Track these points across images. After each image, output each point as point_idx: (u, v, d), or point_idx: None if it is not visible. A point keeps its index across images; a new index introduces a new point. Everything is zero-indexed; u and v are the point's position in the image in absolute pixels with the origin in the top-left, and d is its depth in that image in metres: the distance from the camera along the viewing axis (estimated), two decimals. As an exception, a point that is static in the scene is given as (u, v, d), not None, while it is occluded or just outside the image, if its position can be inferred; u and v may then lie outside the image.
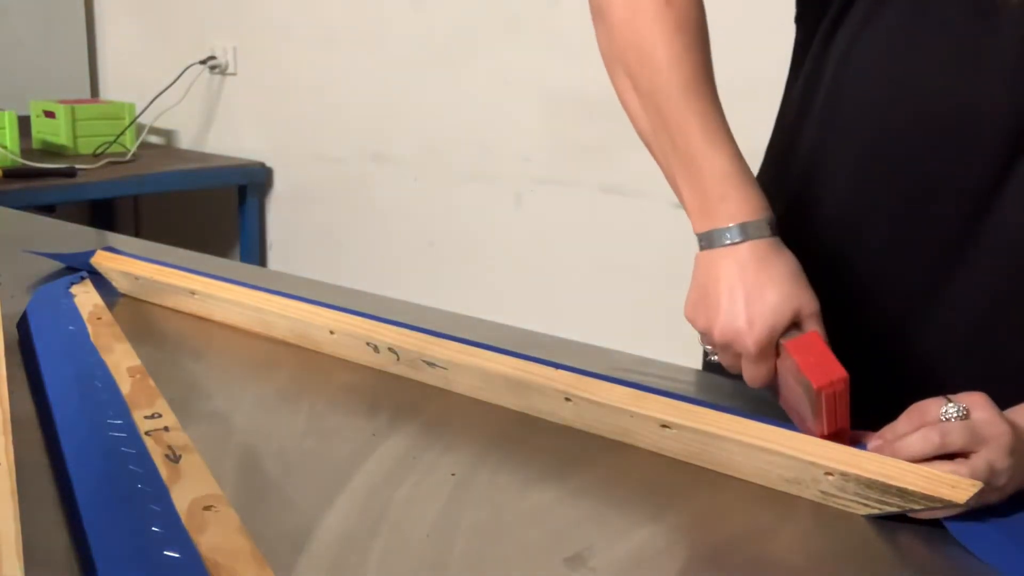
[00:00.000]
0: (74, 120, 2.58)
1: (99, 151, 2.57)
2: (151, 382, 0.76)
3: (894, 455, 0.65)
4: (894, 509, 0.63)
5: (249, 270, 1.32)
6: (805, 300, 0.71)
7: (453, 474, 0.68)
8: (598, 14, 0.81)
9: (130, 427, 0.68)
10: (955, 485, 0.61)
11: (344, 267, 2.57)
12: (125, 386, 0.76)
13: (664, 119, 0.76)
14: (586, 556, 0.59)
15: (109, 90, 3.08)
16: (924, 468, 0.63)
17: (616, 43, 0.79)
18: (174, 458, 0.64)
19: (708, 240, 0.74)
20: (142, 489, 0.60)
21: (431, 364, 0.83)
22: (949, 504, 0.61)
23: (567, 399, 0.76)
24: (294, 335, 0.92)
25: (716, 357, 0.75)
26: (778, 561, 0.61)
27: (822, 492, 0.66)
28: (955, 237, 0.76)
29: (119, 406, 0.72)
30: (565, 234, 2.03)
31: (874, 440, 0.68)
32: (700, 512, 0.66)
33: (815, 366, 0.67)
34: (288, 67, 2.62)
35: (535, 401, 0.78)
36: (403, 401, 0.82)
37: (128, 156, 2.60)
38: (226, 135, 2.81)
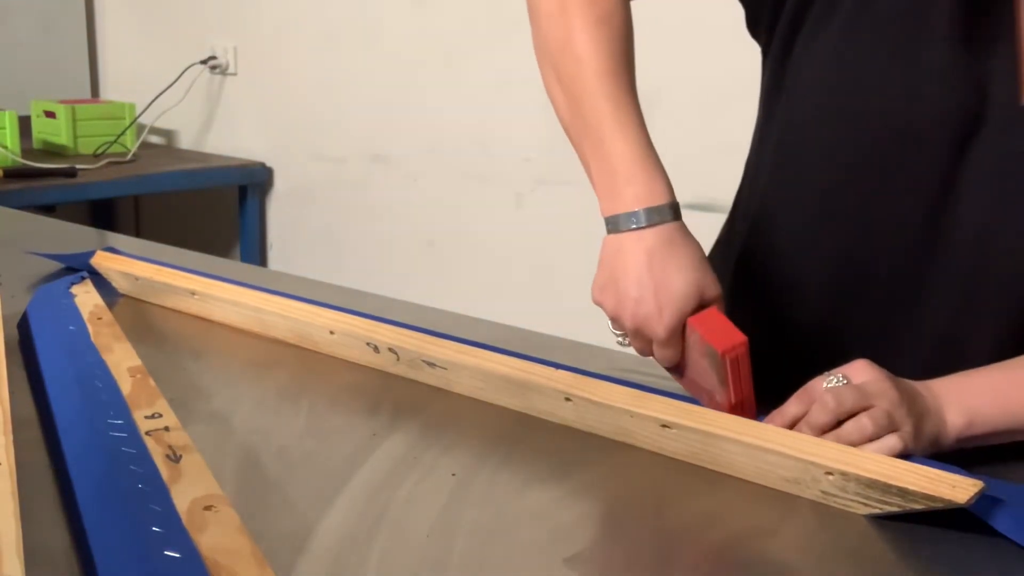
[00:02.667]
0: (74, 120, 2.58)
1: (99, 151, 2.57)
2: (151, 382, 0.76)
3: (806, 430, 0.70)
4: (895, 509, 0.63)
5: (249, 270, 1.33)
6: (708, 284, 0.75)
7: (453, 474, 0.68)
8: (531, 10, 0.84)
9: (130, 427, 0.68)
10: (955, 485, 0.61)
11: (344, 267, 2.57)
12: (125, 386, 0.76)
13: (579, 105, 0.79)
14: (586, 556, 0.59)
15: (109, 90, 3.08)
16: (925, 468, 0.63)
17: (542, 35, 0.83)
18: (174, 458, 0.64)
19: (614, 224, 0.76)
20: (142, 489, 0.60)
21: (431, 364, 0.83)
22: (950, 503, 0.61)
23: (567, 399, 0.76)
24: (294, 335, 0.92)
25: (626, 340, 0.78)
26: (778, 561, 0.61)
27: (822, 492, 0.66)
28: (915, 238, 0.79)
29: (119, 406, 0.72)
30: (565, 234, 2.03)
31: (772, 419, 0.72)
32: (700, 512, 0.66)
33: (718, 334, 0.72)
34: (288, 67, 2.62)
35: (535, 401, 0.78)
36: (403, 401, 0.82)
37: (128, 156, 2.59)
38: (226, 135, 2.81)
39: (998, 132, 0.75)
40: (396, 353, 0.85)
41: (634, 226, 0.75)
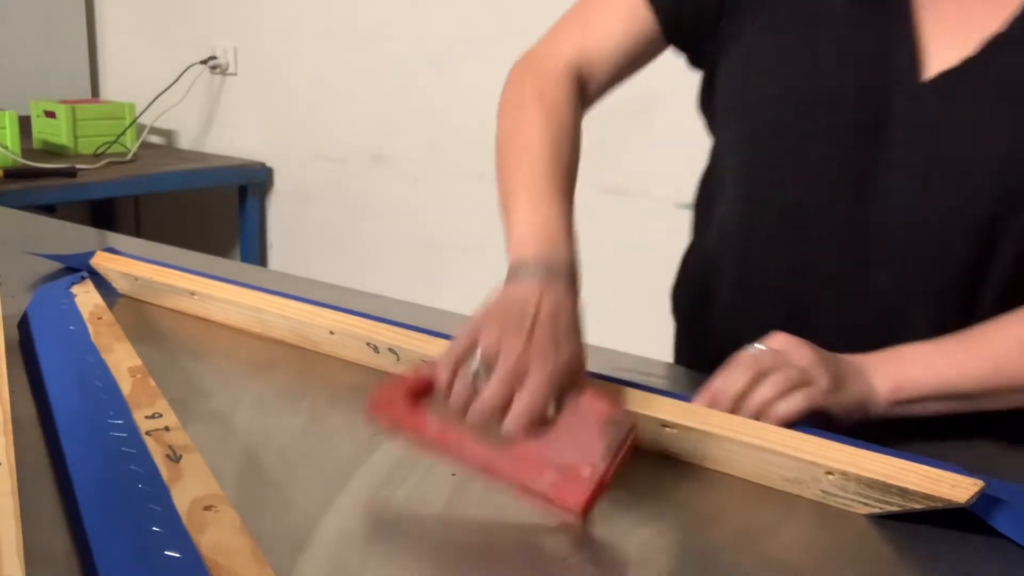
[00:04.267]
0: (75, 120, 2.57)
1: (99, 151, 2.57)
2: (151, 382, 0.76)
3: (721, 396, 0.71)
4: (895, 508, 0.63)
5: (249, 270, 1.32)
6: (576, 358, 0.69)
7: (453, 474, 0.68)
8: (502, 95, 0.94)
9: (131, 427, 0.68)
10: (955, 484, 0.62)
11: (344, 267, 2.57)
12: (126, 386, 0.76)
13: (506, 191, 0.84)
14: (586, 556, 0.59)
15: (109, 90, 3.08)
16: (925, 467, 0.63)
17: (502, 117, 0.93)
18: (174, 458, 0.64)
19: (511, 267, 0.76)
20: (142, 489, 0.60)
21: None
22: (950, 503, 0.61)
23: (567, 399, 0.76)
24: (294, 335, 0.92)
25: (479, 373, 0.65)
26: (779, 560, 0.61)
27: (823, 491, 0.66)
28: (844, 218, 0.81)
29: (119, 406, 0.72)
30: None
31: (700, 396, 0.73)
32: (700, 512, 0.66)
33: (616, 405, 0.66)
34: (288, 67, 2.62)
35: (535, 401, 0.78)
36: (403, 401, 0.81)
37: (128, 156, 2.59)
38: (226, 135, 2.81)
39: (904, 108, 0.78)
40: (396, 353, 0.85)
41: (524, 277, 0.73)
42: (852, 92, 0.79)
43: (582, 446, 0.62)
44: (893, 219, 0.79)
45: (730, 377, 0.73)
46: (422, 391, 0.67)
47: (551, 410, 0.64)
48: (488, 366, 0.65)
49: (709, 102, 0.92)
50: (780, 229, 0.85)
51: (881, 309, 0.82)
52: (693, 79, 0.94)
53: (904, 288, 0.81)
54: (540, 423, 0.64)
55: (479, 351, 0.65)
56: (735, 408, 0.72)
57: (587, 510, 0.60)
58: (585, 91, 0.92)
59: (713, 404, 0.72)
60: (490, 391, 0.64)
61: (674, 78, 1.00)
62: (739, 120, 0.87)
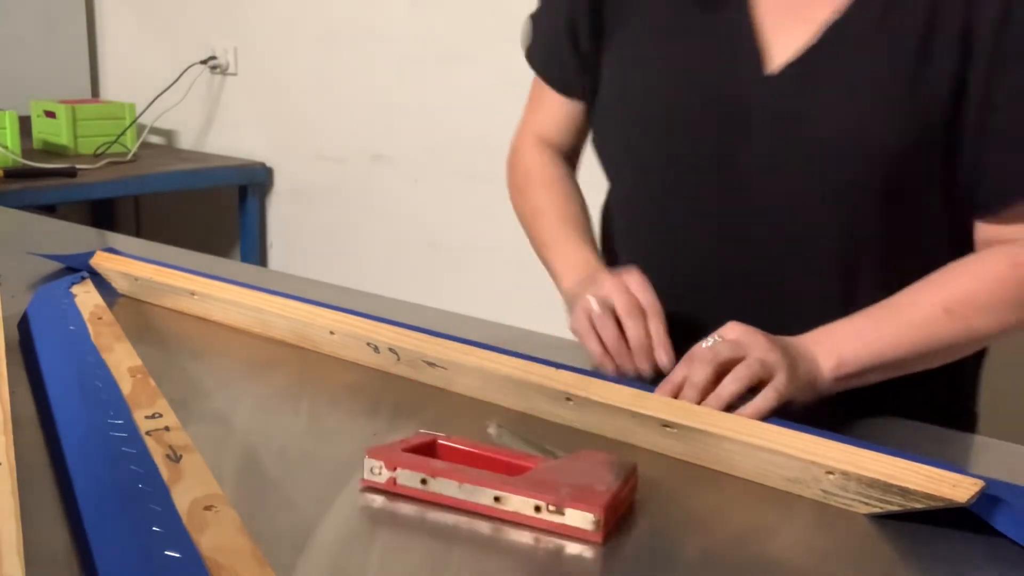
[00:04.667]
0: (75, 120, 2.57)
1: (100, 151, 2.57)
2: (152, 382, 0.76)
3: (686, 388, 0.74)
4: (895, 508, 0.63)
5: (249, 270, 1.32)
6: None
7: (453, 474, 0.68)
8: (508, 181, 1.10)
9: (131, 427, 0.68)
10: (956, 484, 0.61)
11: (344, 267, 2.57)
12: (126, 386, 0.76)
13: (541, 250, 1.01)
14: (586, 556, 0.59)
15: (109, 90, 3.08)
16: (926, 467, 0.63)
17: (514, 198, 1.08)
18: (175, 458, 0.64)
19: (566, 302, 0.91)
20: (143, 489, 0.60)
21: (431, 364, 0.83)
22: (950, 503, 0.61)
23: (568, 399, 0.76)
24: (294, 335, 0.92)
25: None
26: (779, 560, 0.61)
27: (823, 491, 0.66)
28: (715, 215, 0.88)
29: (119, 406, 0.72)
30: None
31: (662, 388, 0.75)
32: (700, 512, 0.66)
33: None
34: (288, 67, 2.62)
35: (535, 401, 0.78)
36: (403, 401, 0.82)
37: (128, 156, 2.59)
38: (226, 135, 2.81)
39: (756, 100, 0.85)
40: (396, 353, 0.85)
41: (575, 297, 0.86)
42: (708, 90, 0.87)
43: (592, 474, 0.63)
44: (760, 203, 0.86)
45: (692, 369, 0.75)
46: (419, 449, 0.67)
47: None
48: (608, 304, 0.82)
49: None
50: (659, 218, 0.93)
51: (764, 287, 0.88)
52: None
53: (782, 265, 0.87)
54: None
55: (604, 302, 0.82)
56: (699, 401, 0.73)
57: (607, 523, 0.60)
58: (564, 156, 1.07)
59: (674, 395, 0.75)
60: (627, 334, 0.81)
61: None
62: (613, 123, 0.95)
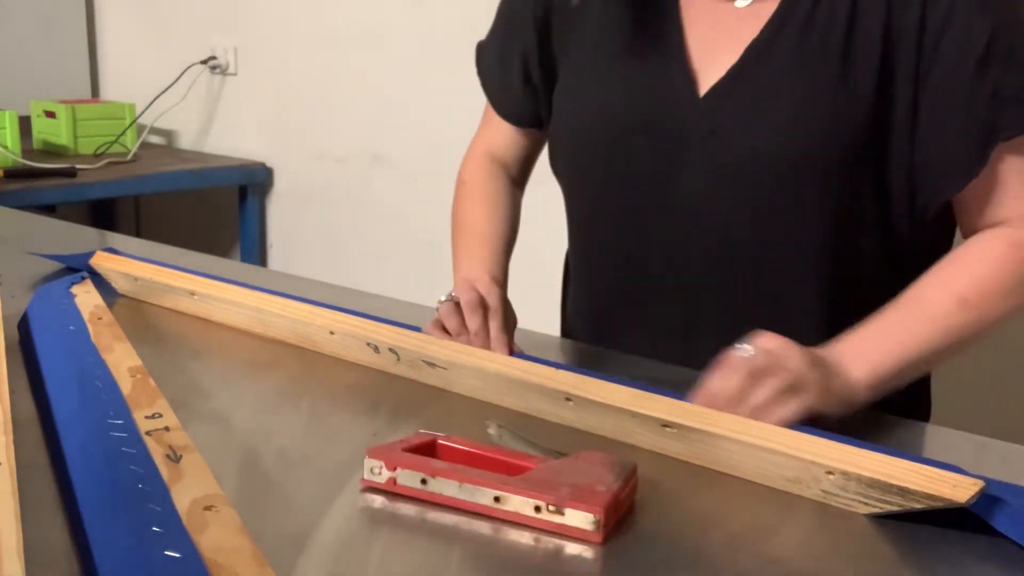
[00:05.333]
0: (75, 120, 2.57)
1: (99, 151, 2.57)
2: (151, 382, 0.76)
3: (716, 398, 0.73)
4: (895, 508, 0.63)
5: (249, 270, 1.32)
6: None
7: (453, 474, 0.68)
8: (454, 195, 1.10)
9: (131, 427, 0.68)
10: (956, 484, 0.61)
11: (344, 267, 2.57)
12: (125, 386, 0.76)
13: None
14: (586, 556, 0.59)
15: (109, 90, 3.08)
16: (926, 467, 0.63)
17: (454, 207, 1.09)
18: (175, 458, 0.64)
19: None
20: (143, 489, 0.60)
21: (431, 364, 0.83)
22: (950, 503, 0.61)
23: (568, 399, 0.76)
24: (294, 335, 0.92)
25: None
26: (779, 560, 0.61)
27: (823, 491, 0.66)
28: (660, 234, 0.90)
29: (119, 406, 0.72)
30: (565, 234, 2.02)
31: (697, 397, 0.75)
32: (700, 512, 0.66)
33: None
34: (288, 67, 2.62)
35: (535, 401, 0.78)
36: (403, 401, 0.82)
37: (128, 156, 2.59)
38: (226, 135, 2.81)
39: (688, 122, 0.87)
40: (396, 353, 0.85)
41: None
42: (645, 114, 0.90)
43: (592, 474, 0.63)
44: (697, 221, 0.88)
45: (725, 378, 0.74)
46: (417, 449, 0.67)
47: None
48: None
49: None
50: (608, 235, 0.96)
51: (708, 301, 0.90)
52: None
53: (723, 280, 0.89)
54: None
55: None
56: (731, 410, 0.72)
57: (607, 524, 0.60)
58: (510, 173, 1.10)
59: (710, 405, 0.73)
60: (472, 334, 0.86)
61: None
62: (560, 149, 0.99)
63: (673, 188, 0.89)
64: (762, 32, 0.86)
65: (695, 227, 0.89)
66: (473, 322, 0.86)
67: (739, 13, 0.88)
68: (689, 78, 0.88)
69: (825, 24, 0.84)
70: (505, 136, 1.09)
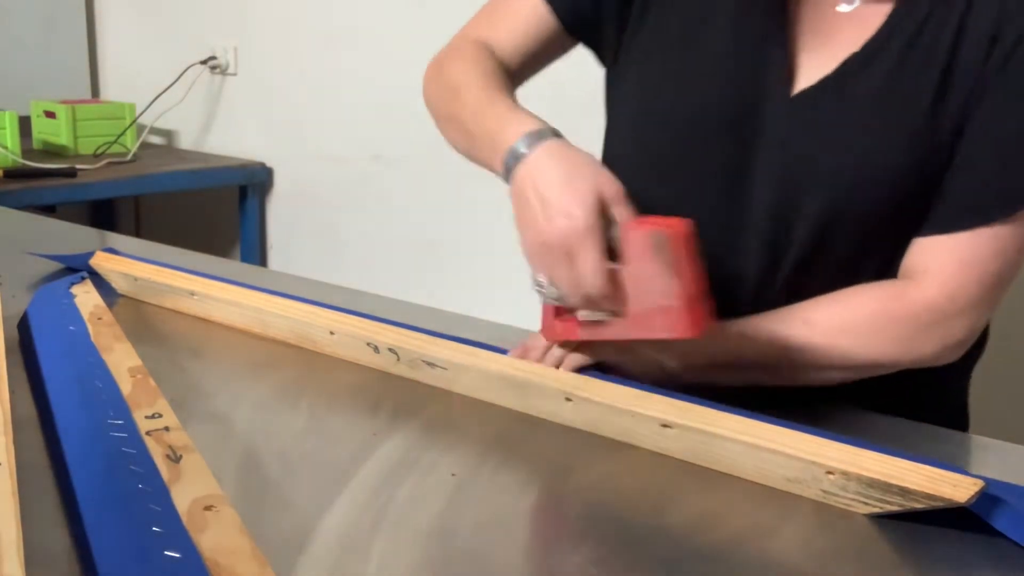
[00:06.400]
0: (75, 120, 2.57)
1: (100, 151, 2.57)
2: (152, 382, 0.76)
3: (532, 350, 0.82)
4: (895, 508, 0.63)
5: (249, 270, 1.32)
6: (605, 180, 0.74)
7: (453, 474, 0.68)
8: (424, 90, 1.01)
9: (131, 427, 0.68)
10: (956, 484, 0.61)
11: (344, 267, 2.57)
12: (126, 386, 0.76)
13: (467, 127, 0.88)
14: (586, 556, 0.59)
15: (109, 90, 3.08)
16: (926, 467, 0.63)
17: (432, 95, 0.98)
18: (175, 458, 0.64)
19: (505, 170, 0.79)
20: (142, 489, 0.60)
21: (431, 364, 0.83)
22: (950, 503, 0.61)
23: (567, 399, 0.76)
24: (294, 335, 0.92)
25: (550, 291, 0.75)
26: (779, 560, 0.61)
27: (823, 491, 0.66)
28: (719, 223, 0.86)
29: (119, 406, 0.72)
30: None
31: (514, 351, 0.82)
32: (700, 512, 0.66)
33: (660, 225, 0.71)
34: (288, 67, 2.62)
35: (535, 401, 0.78)
36: (403, 401, 0.82)
37: (129, 156, 2.59)
38: (226, 135, 2.81)
39: (773, 122, 0.83)
40: (396, 353, 0.85)
41: (519, 158, 0.77)
42: (730, 107, 0.84)
43: (650, 284, 0.70)
44: (757, 223, 0.85)
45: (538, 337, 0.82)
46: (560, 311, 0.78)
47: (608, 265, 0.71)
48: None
49: (609, 99, 0.97)
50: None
51: (748, 292, 0.88)
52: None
53: (765, 274, 0.87)
54: (607, 276, 0.71)
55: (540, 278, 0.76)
56: (540, 359, 0.81)
57: (699, 325, 0.69)
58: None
59: (524, 356, 0.82)
60: (564, 282, 0.74)
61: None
62: (629, 122, 0.92)
63: (740, 184, 0.85)
64: (864, 47, 0.81)
65: (754, 225, 0.85)
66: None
67: (843, 18, 0.83)
68: (783, 77, 0.83)
69: (928, 49, 0.79)
70: (520, 27, 0.95)
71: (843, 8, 0.83)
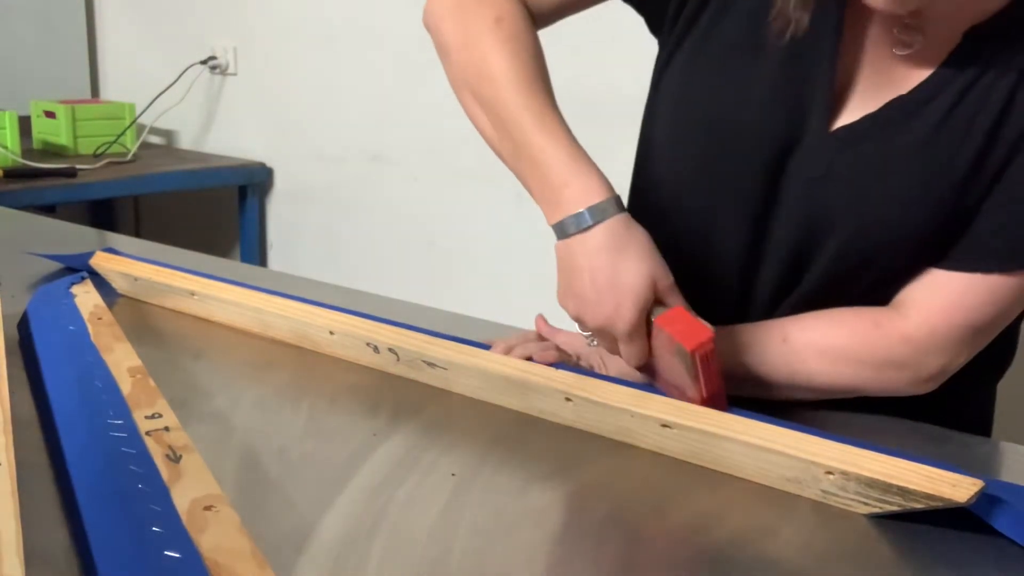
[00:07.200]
0: (74, 120, 2.58)
1: (99, 151, 2.57)
2: (151, 382, 0.76)
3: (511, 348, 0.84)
4: (895, 508, 0.63)
5: (249, 270, 1.32)
6: (660, 274, 0.75)
7: (453, 474, 0.68)
8: (440, 48, 0.93)
9: (130, 427, 0.68)
10: (956, 484, 0.62)
11: (344, 267, 2.57)
12: (125, 386, 0.76)
13: (504, 122, 0.83)
14: (586, 556, 0.59)
15: (109, 90, 3.08)
16: (925, 467, 0.63)
17: (457, 66, 0.90)
18: (174, 458, 0.64)
19: (561, 229, 0.78)
20: (142, 489, 0.60)
21: (431, 364, 0.83)
22: (950, 503, 0.61)
23: (567, 399, 0.76)
24: (294, 335, 0.92)
25: (596, 342, 0.80)
26: (779, 560, 0.61)
27: (823, 491, 0.66)
28: (743, 245, 0.85)
29: (119, 406, 0.72)
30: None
31: (495, 347, 0.83)
32: (700, 512, 0.66)
33: (685, 332, 0.72)
34: (288, 67, 2.62)
35: (535, 401, 0.78)
36: (403, 401, 0.82)
37: (128, 156, 2.59)
38: (226, 135, 2.81)
39: (808, 154, 0.81)
40: (396, 353, 0.85)
41: (580, 228, 0.76)
42: (769, 130, 0.82)
43: (676, 373, 0.74)
44: (778, 254, 0.84)
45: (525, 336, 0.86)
46: None
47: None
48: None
49: (656, 73, 0.92)
50: (688, 242, 0.88)
51: (757, 312, 0.87)
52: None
53: (777, 297, 0.86)
54: (646, 353, 0.76)
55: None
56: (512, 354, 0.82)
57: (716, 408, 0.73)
58: (530, 13, 0.89)
59: (506, 352, 0.83)
60: (603, 346, 0.79)
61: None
62: (667, 131, 0.89)
63: (766, 222, 0.84)
64: (912, 92, 0.78)
65: (773, 252, 0.85)
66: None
67: (897, 59, 0.79)
68: (828, 105, 0.80)
69: (973, 115, 0.76)
70: None
71: (900, 52, 0.79)
